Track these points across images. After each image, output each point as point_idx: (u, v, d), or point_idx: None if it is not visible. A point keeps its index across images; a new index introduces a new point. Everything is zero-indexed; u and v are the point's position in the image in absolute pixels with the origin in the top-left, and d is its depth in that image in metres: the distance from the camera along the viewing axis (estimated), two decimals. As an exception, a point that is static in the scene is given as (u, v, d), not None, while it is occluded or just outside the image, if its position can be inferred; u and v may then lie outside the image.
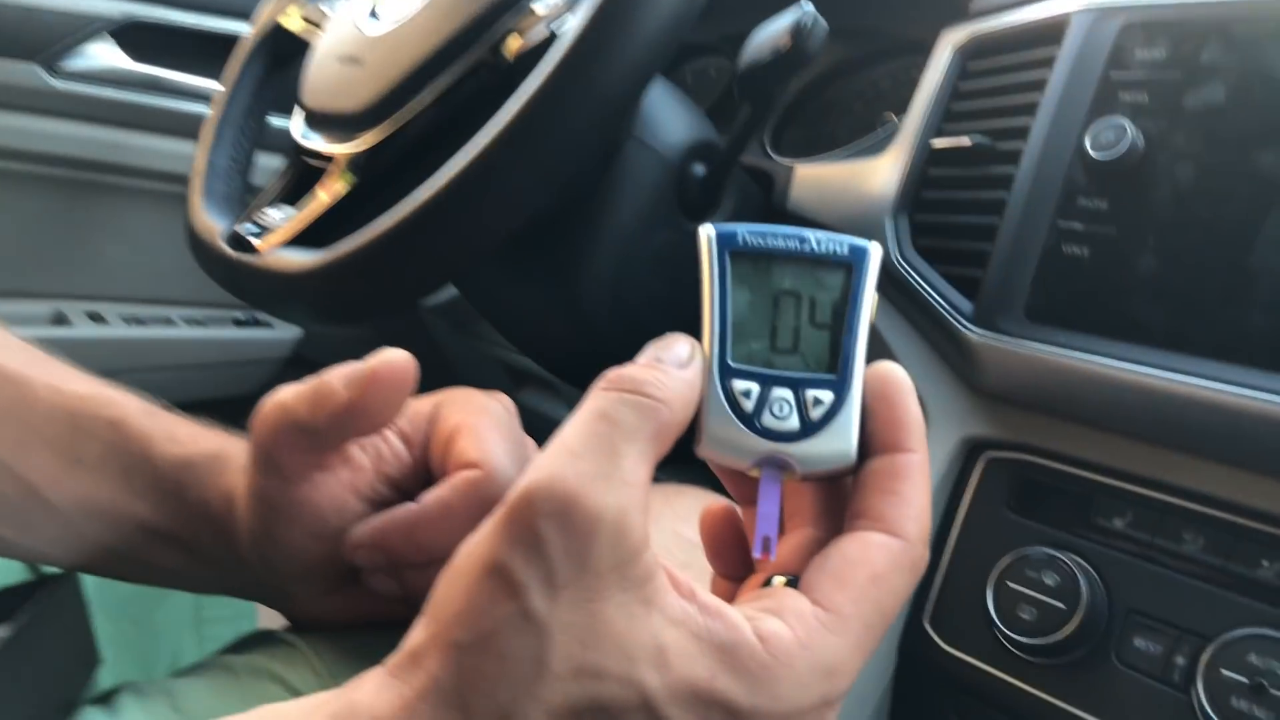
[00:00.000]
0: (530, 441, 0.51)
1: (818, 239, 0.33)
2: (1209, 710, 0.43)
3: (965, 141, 0.61)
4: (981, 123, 0.62)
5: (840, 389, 0.32)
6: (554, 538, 0.27)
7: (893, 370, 0.33)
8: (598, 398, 0.30)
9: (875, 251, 0.33)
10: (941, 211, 0.62)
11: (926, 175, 0.64)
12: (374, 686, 0.29)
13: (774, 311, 0.33)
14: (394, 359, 0.40)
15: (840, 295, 0.33)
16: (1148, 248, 0.50)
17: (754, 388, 0.32)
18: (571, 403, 1.15)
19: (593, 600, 0.27)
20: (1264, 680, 0.42)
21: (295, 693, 0.46)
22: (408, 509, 0.42)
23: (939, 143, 0.63)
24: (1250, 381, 0.45)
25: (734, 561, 0.37)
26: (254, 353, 1.16)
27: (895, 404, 0.32)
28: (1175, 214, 0.50)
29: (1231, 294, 0.47)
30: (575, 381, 0.91)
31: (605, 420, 0.29)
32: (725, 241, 0.33)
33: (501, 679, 0.27)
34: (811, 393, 0.32)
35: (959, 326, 0.56)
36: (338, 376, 0.40)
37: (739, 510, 0.38)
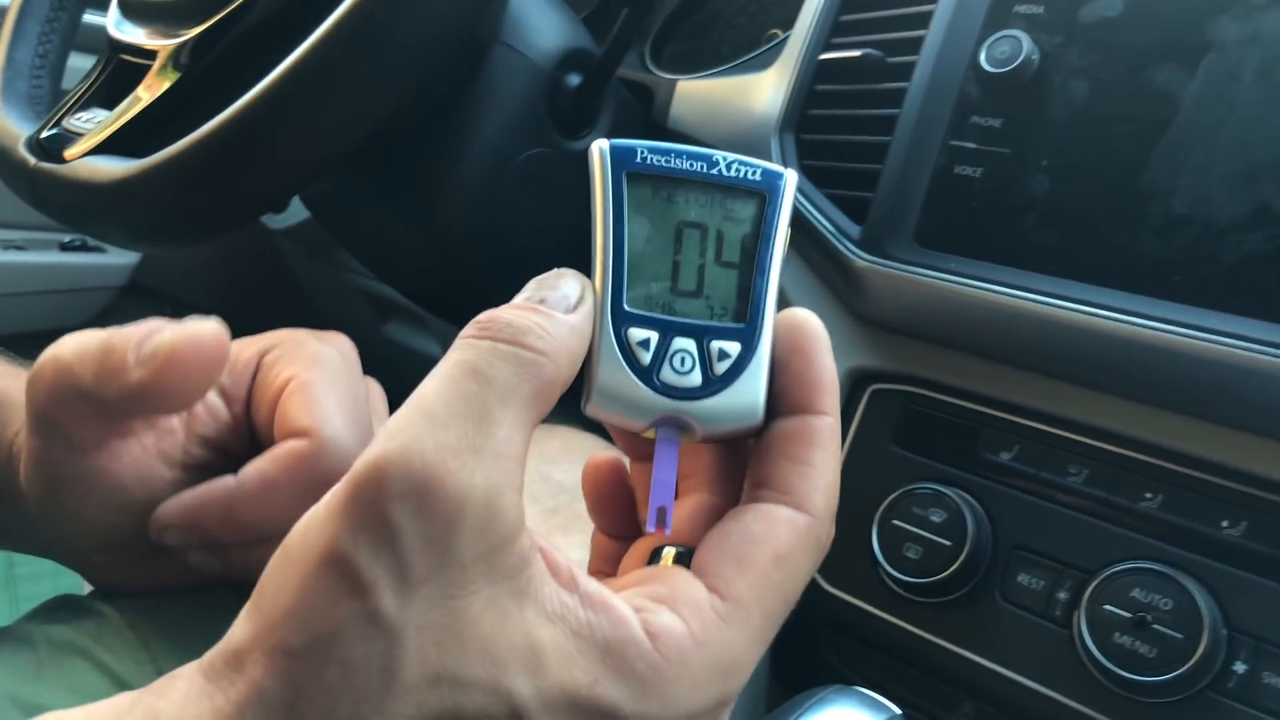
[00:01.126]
0: (376, 391, 0.46)
1: (727, 162, 0.29)
2: (1091, 645, 0.42)
3: (854, 54, 0.58)
4: (872, 35, 0.59)
5: (749, 339, 0.28)
6: (408, 525, 0.22)
7: (806, 319, 0.29)
8: (466, 348, 0.25)
9: (791, 179, 0.29)
10: (830, 130, 0.59)
11: (814, 92, 0.60)
12: (183, 693, 0.24)
13: (676, 246, 0.29)
14: (200, 336, 0.33)
15: (751, 229, 0.29)
16: (1041, 168, 0.48)
17: (652, 337, 0.28)
18: (443, 336, 1.09)
19: (454, 596, 0.23)
20: (1146, 614, 0.41)
21: (107, 671, 0.40)
22: (224, 485, 0.35)
23: (827, 56, 0.60)
24: (1140, 310, 0.44)
25: (620, 519, 0.34)
26: (84, 280, 1.05)
27: (809, 359, 0.28)
28: (1069, 133, 0.47)
29: (1124, 217, 0.45)
30: (440, 311, 0.85)
31: (475, 377, 0.24)
32: (621, 160, 0.29)
33: (342, 691, 0.22)
34: (717, 344, 0.28)
35: (845, 252, 0.52)
36: (131, 344, 0.33)
37: (626, 463, 0.34)
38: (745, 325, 0.29)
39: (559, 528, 0.55)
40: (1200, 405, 0.43)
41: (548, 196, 0.67)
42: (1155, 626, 0.41)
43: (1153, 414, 0.44)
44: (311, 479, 0.35)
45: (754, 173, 0.29)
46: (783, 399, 0.29)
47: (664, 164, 0.29)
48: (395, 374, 1.19)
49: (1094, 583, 0.43)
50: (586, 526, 0.57)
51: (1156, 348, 0.43)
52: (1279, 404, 0.40)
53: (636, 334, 0.28)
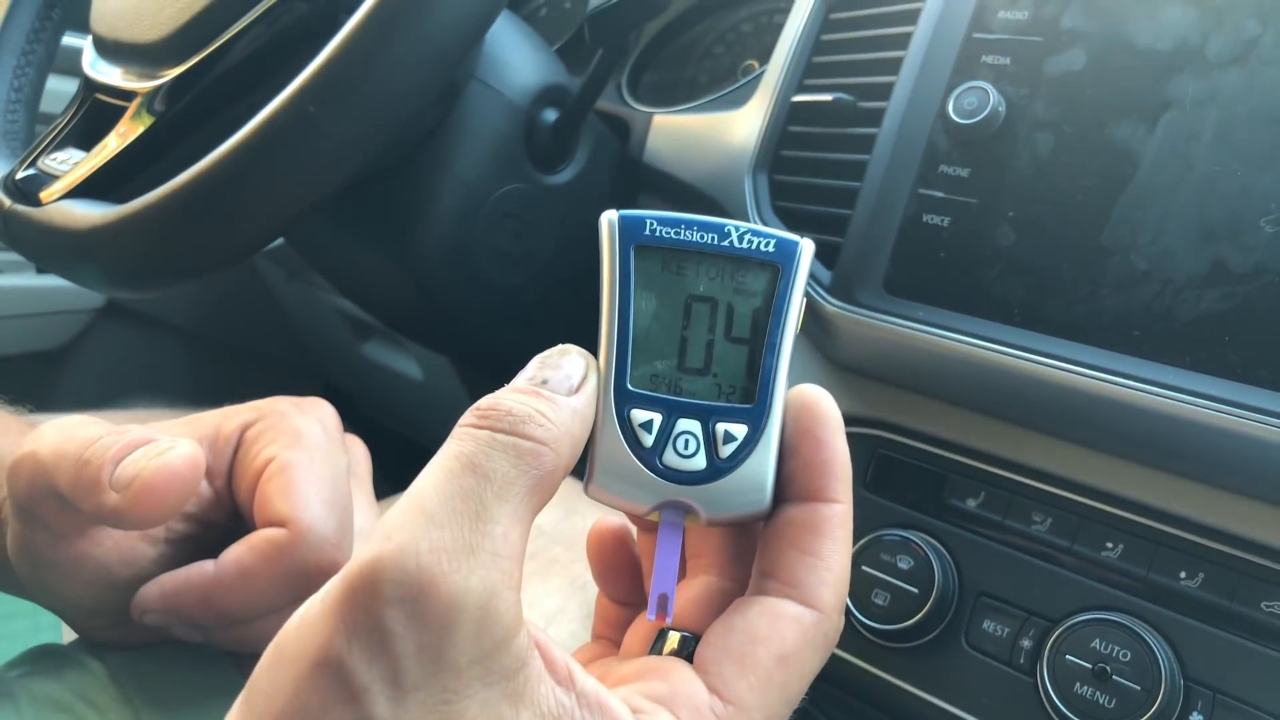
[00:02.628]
0: (359, 454, 0.46)
1: (740, 233, 0.28)
2: (1054, 696, 0.43)
3: (826, 98, 0.58)
4: (845, 78, 0.59)
5: (757, 421, 0.28)
6: (402, 629, 0.22)
7: (817, 400, 0.28)
8: (465, 439, 0.25)
9: (807, 250, 0.28)
10: (802, 172, 0.59)
11: (787, 132, 0.61)
12: None
13: (684, 322, 0.28)
14: (174, 465, 0.33)
15: (763, 303, 0.28)
16: (1006, 220, 0.49)
17: (656, 418, 0.27)
18: (421, 357, 1.09)
19: (449, 702, 0.23)
20: (1106, 665, 0.42)
21: None
22: (202, 571, 0.36)
23: (799, 98, 0.60)
24: (1099, 364, 0.45)
25: (625, 587, 0.34)
26: (61, 303, 1.05)
27: (821, 443, 0.28)
28: (1034, 185, 0.48)
29: (1085, 271, 0.46)
30: (417, 339, 0.85)
31: (473, 471, 0.24)
32: (630, 232, 0.28)
33: None
34: (723, 426, 0.27)
35: (816, 297, 0.53)
36: (107, 461, 0.33)
37: (631, 530, 0.34)
38: (753, 406, 0.28)
39: (537, 573, 0.56)
40: (1157, 458, 0.44)
41: (524, 231, 0.67)
42: (1115, 677, 0.42)
43: (1114, 464, 0.45)
44: (289, 569, 0.35)
45: (767, 244, 0.28)
46: (792, 484, 0.28)
47: (673, 236, 0.28)
48: (374, 393, 1.18)
49: (1056, 632, 0.44)
50: (565, 571, 0.57)
51: (1115, 401, 0.44)
52: (1232, 458, 0.41)
53: (639, 415, 0.27)
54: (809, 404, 0.28)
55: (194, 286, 1.17)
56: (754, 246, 0.28)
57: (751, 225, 0.28)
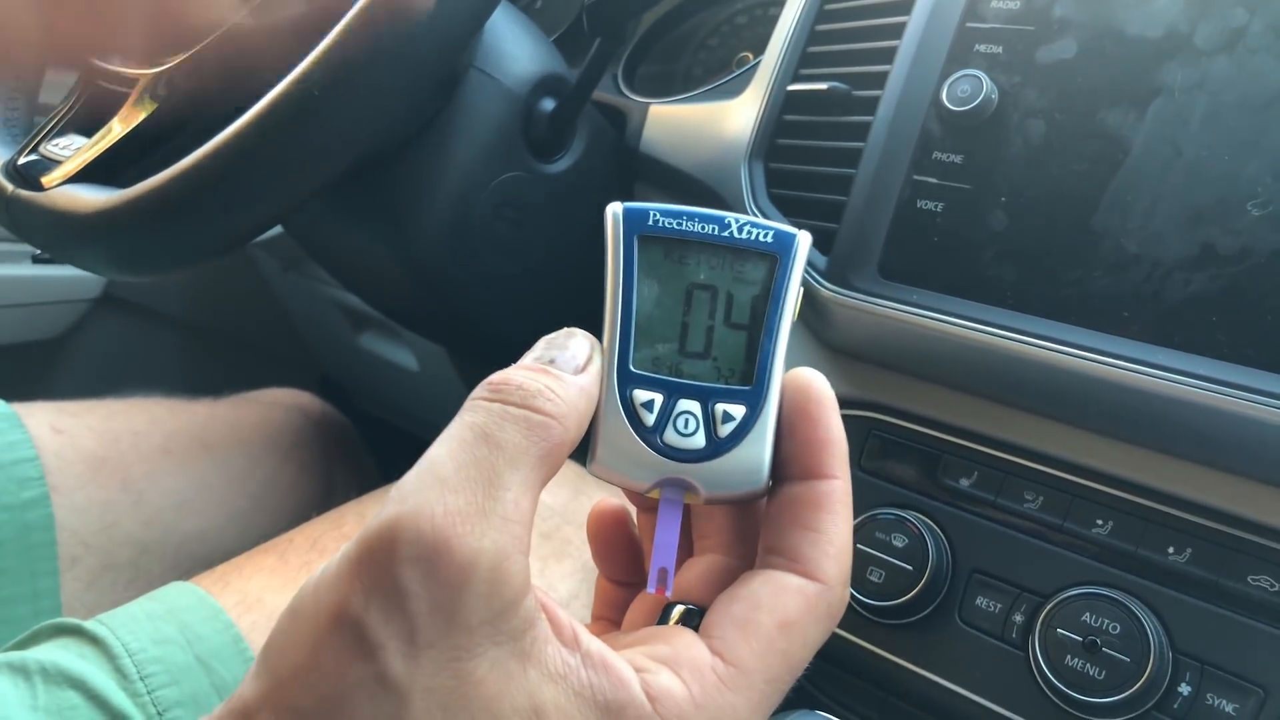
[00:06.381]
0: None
1: (740, 224, 0.29)
2: (1044, 668, 0.43)
3: (821, 87, 0.59)
4: (839, 68, 0.60)
5: (754, 402, 0.29)
6: (418, 589, 0.23)
7: (813, 381, 0.29)
8: (477, 410, 0.26)
9: (804, 241, 0.30)
10: (798, 160, 0.60)
11: (783, 121, 0.62)
12: None
13: (685, 308, 0.29)
14: None
15: (761, 291, 0.29)
16: (999, 205, 0.50)
17: (657, 398, 0.29)
18: (417, 347, 1.09)
19: (461, 659, 0.23)
20: (1096, 638, 0.43)
21: (101, 704, 0.41)
22: None
23: (795, 87, 0.61)
24: (1090, 345, 0.45)
25: (624, 567, 0.34)
26: (56, 292, 1.04)
27: (816, 421, 0.29)
28: (1026, 171, 0.49)
29: (1077, 254, 0.47)
30: (415, 328, 0.86)
31: (486, 441, 0.25)
32: (634, 223, 0.29)
33: None
34: (722, 406, 0.29)
35: (812, 282, 0.54)
36: None
37: (631, 511, 0.34)
38: (751, 388, 0.29)
39: (553, 554, 0.56)
40: (1146, 436, 0.45)
41: (522, 219, 0.68)
42: (1105, 650, 0.43)
43: (1103, 443, 0.46)
44: None
45: (766, 234, 0.29)
46: (791, 463, 0.29)
47: (676, 226, 0.29)
48: (370, 384, 1.19)
49: (1048, 607, 0.45)
50: (578, 554, 0.58)
51: (1105, 381, 0.45)
52: (1220, 436, 0.42)
53: (641, 395, 0.28)
54: (805, 385, 0.29)
55: (190, 277, 1.18)
56: (753, 238, 0.29)
57: (751, 218, 0.30)
